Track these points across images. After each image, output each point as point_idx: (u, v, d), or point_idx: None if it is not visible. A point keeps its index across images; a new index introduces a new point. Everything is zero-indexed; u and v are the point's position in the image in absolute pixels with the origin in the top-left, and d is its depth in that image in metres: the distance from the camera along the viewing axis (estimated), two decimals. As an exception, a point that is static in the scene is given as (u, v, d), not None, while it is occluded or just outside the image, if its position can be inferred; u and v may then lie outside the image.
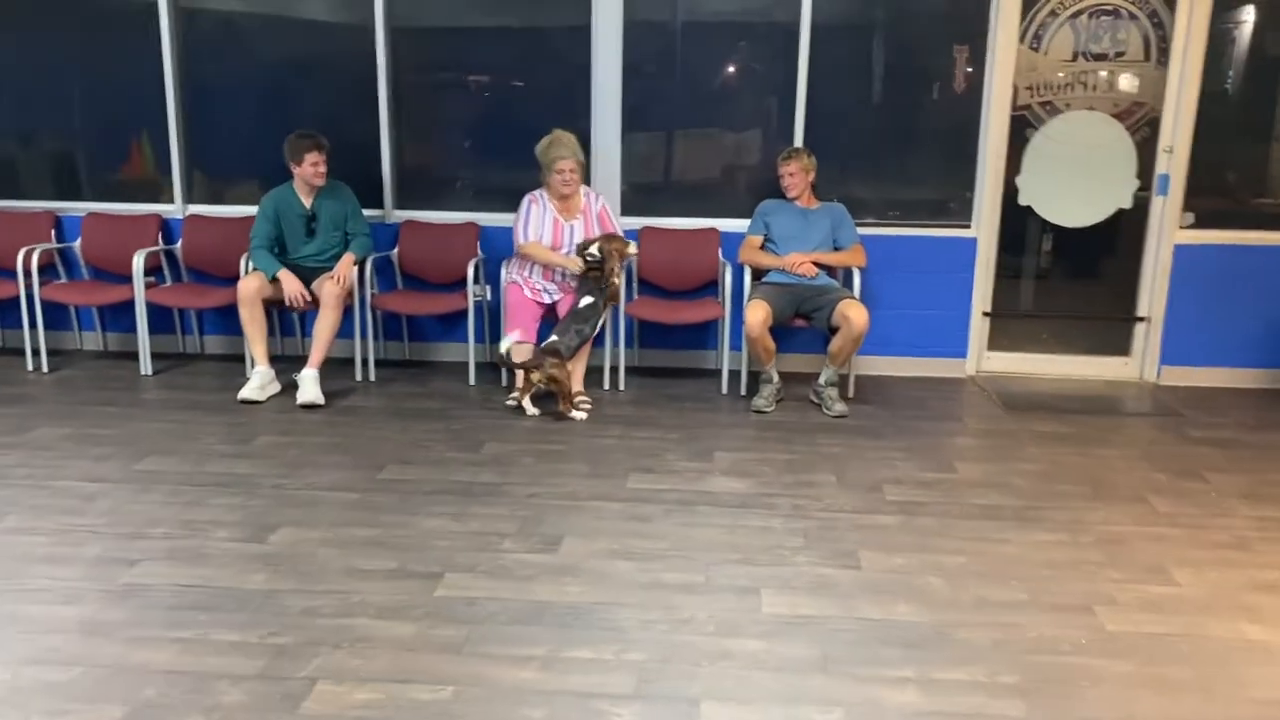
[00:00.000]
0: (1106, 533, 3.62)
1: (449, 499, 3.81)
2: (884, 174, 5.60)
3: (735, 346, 5.41)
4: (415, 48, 5.63)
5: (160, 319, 5.81)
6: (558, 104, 5.63)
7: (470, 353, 5.39)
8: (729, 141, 5.65)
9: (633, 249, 5.02)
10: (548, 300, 5.08)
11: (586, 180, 5.47)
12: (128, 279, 5.58)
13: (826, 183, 5.48)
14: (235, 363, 5.62)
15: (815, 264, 5.06)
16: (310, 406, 4.91)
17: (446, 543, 3.45)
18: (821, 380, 4.99)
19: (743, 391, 5.26)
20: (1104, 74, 5.43)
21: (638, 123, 5.59)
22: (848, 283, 5.24)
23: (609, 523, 3.62)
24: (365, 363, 5.44)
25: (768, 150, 5.55)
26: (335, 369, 5.53)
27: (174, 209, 5.78)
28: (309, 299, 5.07)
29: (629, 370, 5.61)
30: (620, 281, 5.01)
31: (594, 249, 4.92)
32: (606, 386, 5.33)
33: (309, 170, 5.06)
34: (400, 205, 5.76)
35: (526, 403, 4.85)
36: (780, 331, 5.08)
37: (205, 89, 5.71)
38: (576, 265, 4.93)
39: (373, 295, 5.38)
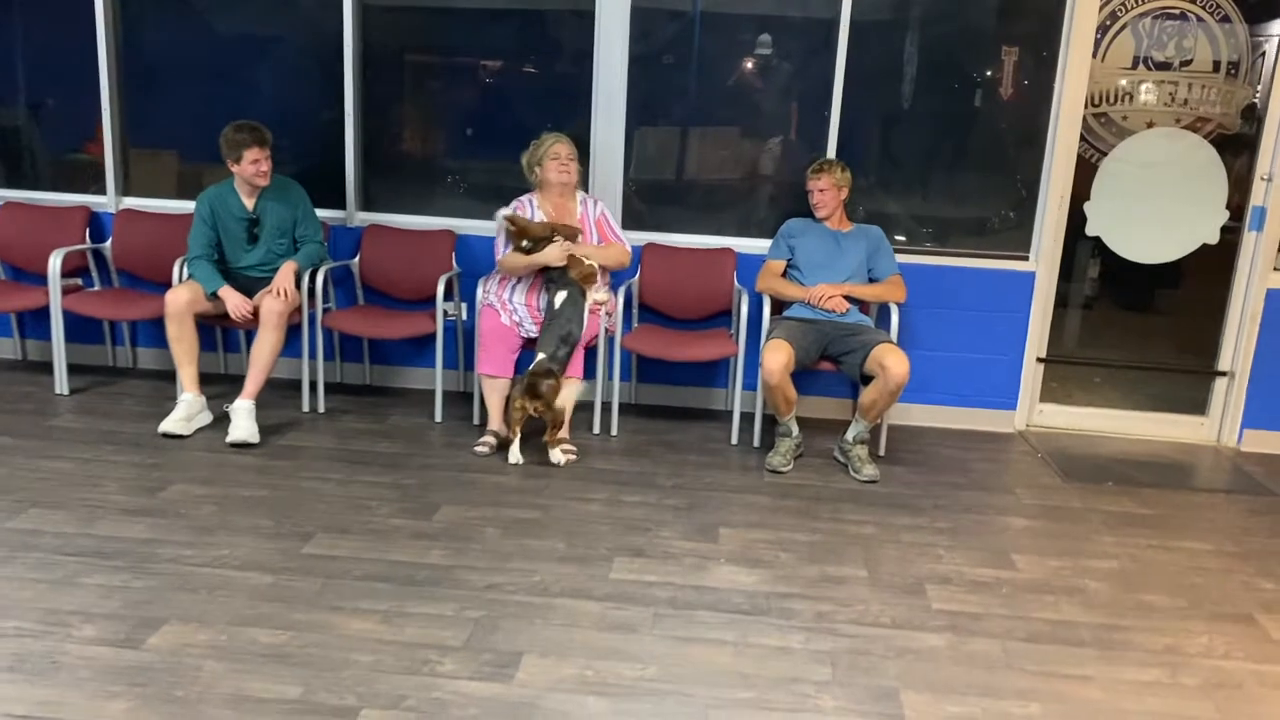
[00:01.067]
0: (1214, 671, 2.84)
1: (383, 590, 3.03)
2: (928, 194, 4.81)
3: (749, 385, 4.63)
4: (390, 26, 4.85)
5: (87, 327, 5.04)
6: (554, 96, 4.85)
7: (438, 383, 4.60)
8: (750, 149, 4.86)
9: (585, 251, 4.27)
10: (524, 335, 4.29)
11: (585, 186, 4.70)
12: (36, 279, 4.82)
13: (863, 201, 4.70)
14: (170, 381, 4.82)
15: (846, 298, 4.28)
16: (241, 445, 4.14)
17: (370, 658, 2.67)
18: (849, 437, 4.21)
19: (756, 442, 4.47)
20: (1169, 84, 4.64)
21: (645, 123, 4.80)
22: (883, 321, 4.45)
23: (582, 633, 2.85)
24: (314, 390, 4.66)
25: (795, 161, 4.77)
26: (281, 394, 4.76)
27: (106, 201, 5.00)
28: (253, 315, 4.30)
29: (624, 409, 4.84)
30: (593, 263, 4.24)
31: (530, 247, 4.20)
32: (596, 429, 4.55)
33: (249, 170, 4.28)
34: (366, 207, 4.98)
35: (515, 450, 4.09)
36: (803, 371, 4.29)
37: (144, 64, 4.94)
38: (558, 257, 4.16)
39: (324, 312, 4.60)
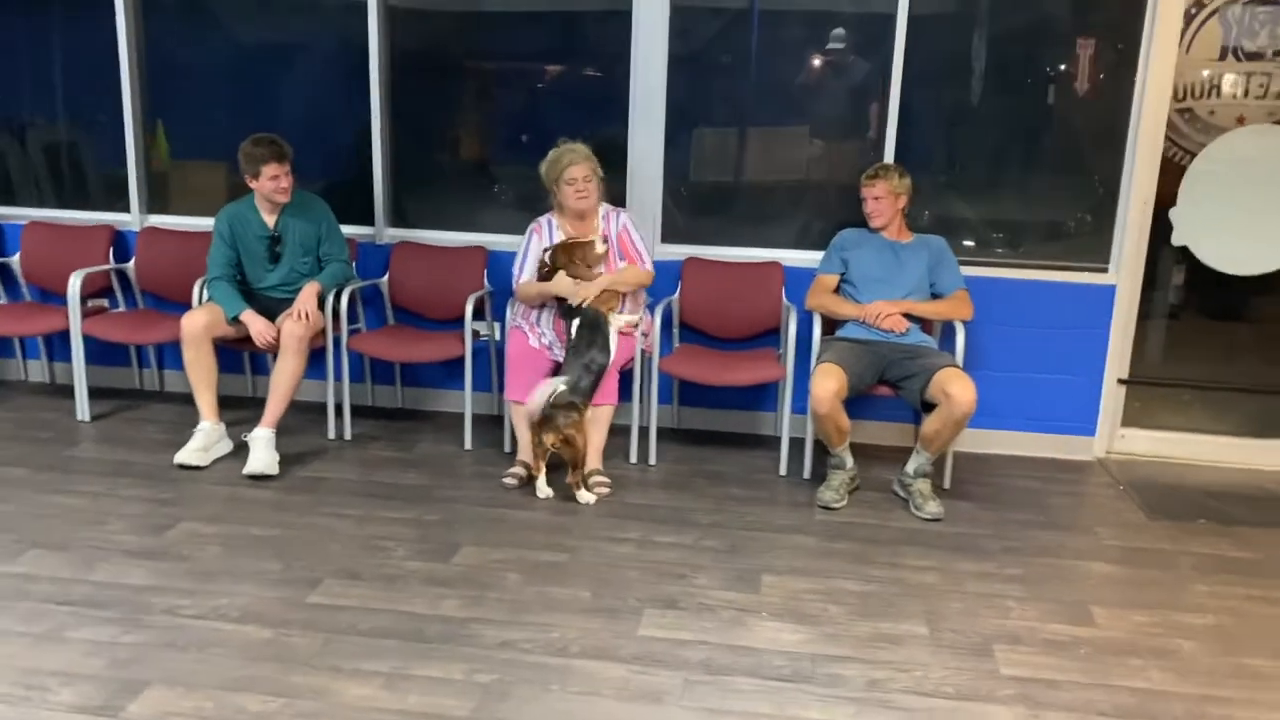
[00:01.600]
0: (1335, 757, 2.45)
1: (389, 648, 2.76)
2: (998, 197, 4.43)
3: (799, 409, 4.30)
4: (417, 32, 4.61)
5: (113, 349, 4.88)
6: (589, 102, 4.58)
7: (467, 407, 4.34)
8: (801, 153, 4.52)
9: (600, 247, 3.94)
10: (554, 359, 4.01)
11: (621, 201, 4.41)
12: (63, 300, 4.67)
13: (927, 205, 4.35)
14: (195, 406, 4.61)
15: (906, 316, 3.92)
16: (259, 478, 3.92)
17: (365, 733, 2.41)
18: (910, 470, 3.85)
19: (806, 473, 4.13)
20: (1262, 76, 4.20)
21: (686, 127, 4.49)
22: (947, 341, 4.08)
23: (602, 704, 2.55)
24: (340, 415, 4.43)
25: (850, 165, 4.42)
26: (309, 419, 4.54)
27: (130, 219, 4.84)
28: (276, 339, 4.08)
29: (664, 434, 4.53)
30: (606, 290, 3.93)
31: (546, 258, 3.94)
32: (633, 459, 4.24)
33: (268, 186, 4.07)
34: (396, 223, 4.74)
35: (542, 484, 3.81)
36: (858, 397, 3.95)
37: (169, 75, 4.76)
38: (569, 290, 3.90)
39: (351, 334, 4.36)
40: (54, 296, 4.77)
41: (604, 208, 4.11)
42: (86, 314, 4.55)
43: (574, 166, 3.92)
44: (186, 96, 4.77)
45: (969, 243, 4.44)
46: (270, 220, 4.19)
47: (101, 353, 4.80)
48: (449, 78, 4.65)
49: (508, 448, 4.27)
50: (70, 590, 3.03)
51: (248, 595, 3.03)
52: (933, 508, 3.74)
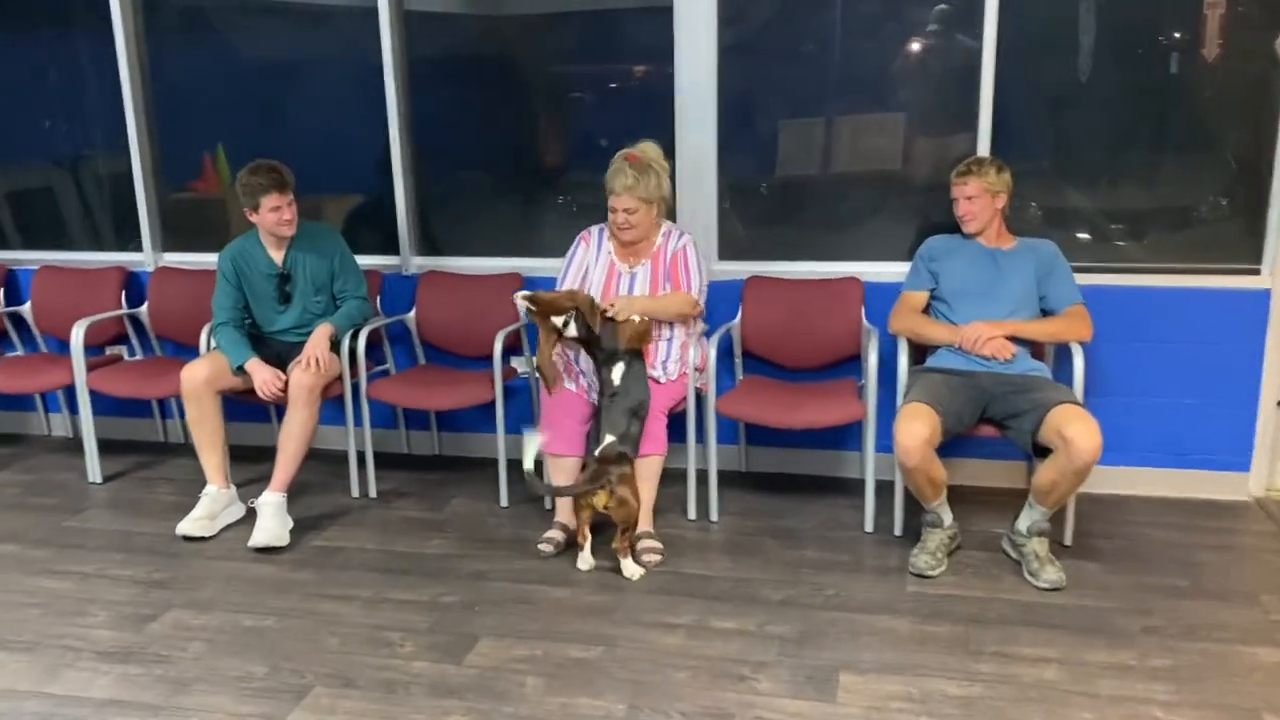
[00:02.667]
0: None
1: (369, 792, 2.25)
2: (1116, 182, 3.72)
3: (885, 446, 3.64)
4: (434, 36, 4.11)
5: (130, 399, 4.49)
6: (633, 105, 4.02)
7: (501, 460, 3.81)
8: (875, 145, 3.88)
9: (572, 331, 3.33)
10: (594, 402, 3.46)
11: (671, 215, 3.83)
12: (87, 350, 4.31)
13: (1033, 194, 3.67)
14: (240, 462, 4.08)
15: (1012, 339, 3.25)
16: (266, 550, 3.47)
17: None
18: (1022, 527, 3.18)
19: (897, 528, 3.48)
20: None
21: (740, 128, 3.89)
22: (1063, 368, 3.38)
23: None
24: (364, 470, 3.95)
25: (936, 158, 3.77)
26: (333, 473, 4.08)
27: (143, 259, 4.46)
28: (285, 390, 3.63)
29: (730, 480, 3.94)
30: (634, 319, 3.33)
31: (567, 321, 3.32)
32: (691, 514, 3.66)
33: (270, 219, 3.61)
34: (425, 250, 4.26)
35: (585, 555, 3.27)
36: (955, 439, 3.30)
37: (173, 96, 4.37)
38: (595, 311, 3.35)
39: (372, 379, 3.88)
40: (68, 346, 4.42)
41: (666, 226, 3.55)
42: (100, 364, 4.19)
43: (615, 197, 3.37)
44: (202, 117, 4.38)
45: (1084, 235, 3.74)
46: (278, 256, 3.74)
47: (121, 403, 4.42)
48: (473, 87, 4.14)
49: (549, 503, 3.73)
50: (21, 708, 2.59)
51: (221, 713, 2.55)
52: (1051, 574, 3.06)
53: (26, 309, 4.47)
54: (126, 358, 4.41)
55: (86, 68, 4.36)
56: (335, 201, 4.32)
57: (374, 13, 3.97)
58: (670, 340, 3.51)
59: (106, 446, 4.46)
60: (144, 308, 4.35)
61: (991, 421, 3.24)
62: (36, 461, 4.43)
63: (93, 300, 4.33)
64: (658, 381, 3.41)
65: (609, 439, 3.18)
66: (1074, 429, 2.89)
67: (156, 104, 4.36)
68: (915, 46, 3.75)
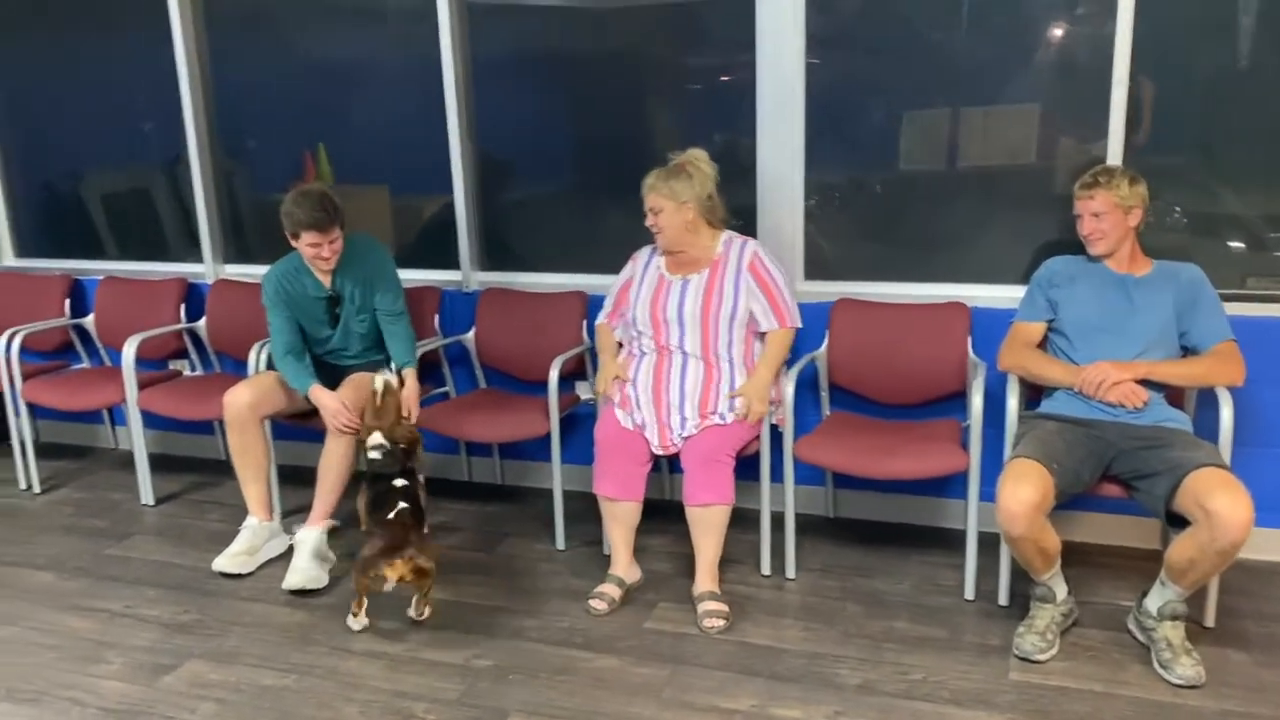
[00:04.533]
0: None
1: None
2: (1271, 195, 3.15)
3: (988, 495, 3.15)
4: (496, 31, 3.79)
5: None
6: (711, 104, 3.62)
7: (557, 500, 3.47)
8: (990, 146, 3.39)
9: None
10: (656, 444, 3.08)
11: (751, 229, 3.44)
12: (150, 365, 4.18)
13: (1177, 197, 3.15)
14: (292, 484, 3.91)
15: (1143, 383, 2.75)
16: (300, 593, 3.21)
17: None
18: (1152, 608, 2.67)
19: (1002, 597, 2.99)
20: None
21: (831, 127, 3.46)
22: (1206, 419, 2.84)
23: None
24: (416, 504, 3.68)
25: (1057, 166, 3.27)
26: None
27: (203, 270, 4.29)
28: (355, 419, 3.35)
29: (813, 527, 3.52)
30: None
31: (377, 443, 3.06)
32: (765, 569, 3.25)
33: (308, 253, 3.32)
34: (489, 265, 3.95)
35: (360, 620, 2.96)
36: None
37: (234, 102, 4.17)
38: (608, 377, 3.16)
39: (428, 403, 3.60)
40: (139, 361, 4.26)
41: (725, 235, 3.17)
42: (159, 380, 4.03)
43: (649, 197, 3.09)
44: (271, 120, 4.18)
45: (1237, 244, 3.19)
46: (325, 279, 3.47)
47: (183, 420, 4.26)
48: (540, 86, 3.81)
49: (608, 548, 3.38)
50: (7, 777, 2.39)
51: (211, 797, 2.29)
52: (1187, 668, 2.55)
53: (90, 321, 4.35)
54: (187, 373, 4.24)
55: (147, 73, 4.20)
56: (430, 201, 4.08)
57: (432, 8, 3.68)
58: (730, 366, 3.11)
59: (165, 463, 4.35)
60: (202, 322, 4.17)
61: (1117, 480, 2.74)
62: (97, 478, 4.30)
63: (152, 313, 4.18)
64: (721, 423, 3.01)
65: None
66: (1219, 501, 2.38)
67: (218, 110, 4.17)
68: (1033, 40, 3.25)
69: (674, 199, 3.04)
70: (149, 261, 4.41)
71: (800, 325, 3.16)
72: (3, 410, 4.33)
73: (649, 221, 3.09)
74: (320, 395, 3.35)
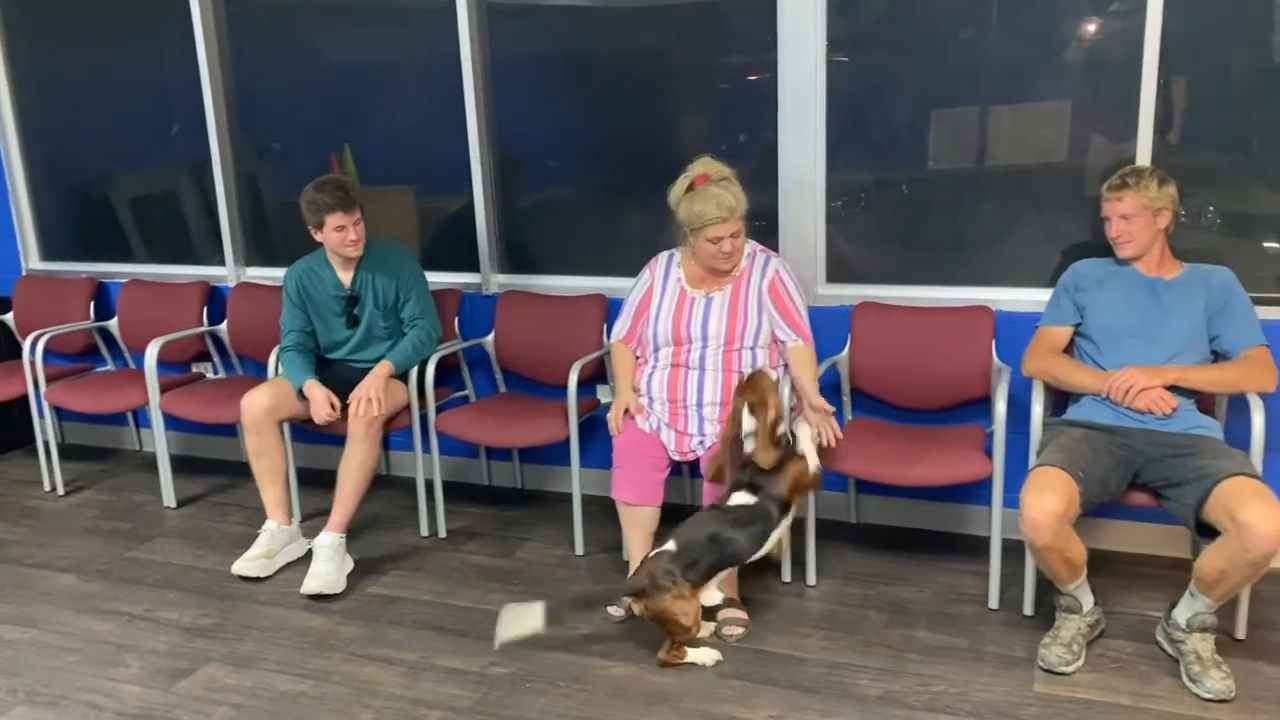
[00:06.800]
0: None
1: None
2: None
3: (1012, 502, 3.09)
4: (517, 31, 3.77)
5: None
6: (732, 107, 3.59)
7: (575, 504, 3.45)
8: (1015, 145, 3.32)
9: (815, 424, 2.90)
10: (674, 449, 3.05)
11: (772, 231, 3.41)
12: (173, 368, 4.20)
13: (1210, 196, 3.08)
14: (313, 488, 3.92)
15: (1173, 389, 2.69)
16: (319, 597, 3.21)
17: None
18: (1181, 619, 2.61)
19: (1027, 607, 2.93)
20: None
21: (852, 128, 3.41)
22: (1238, 426, 2.78)
23: None
24: (433, 507, 3.67)
25: (1087, 165, 3.21)
26: (410, 504, 3.81)
27: (225, 273, 4.30)
28: (336, 415, 3.37)
29: (836, 532, 3.48)
30: (811, 459, 2.84)
31: (746, 415, 2.79)
32: (786, 576, 3.21)
33: (335, 239, 3.35)
34: (510, 268, 3.94)
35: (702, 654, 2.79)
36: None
37: (256, 102, 4.18)
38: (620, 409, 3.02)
39: (440, 410, 3.59)
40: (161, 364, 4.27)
41: (750, 246, 3.12)
42: (182, 382, 4.05)
43: (714, 225, 2.92)
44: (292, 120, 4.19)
45: (1273, 244, 3.11)
46: (346, 277, 3.48)
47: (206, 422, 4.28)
48: (560, 85, 3.79)
49: (626, 554, 3.35)
50: (26, 780, 2.39)
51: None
52: (1216, 681, 2.49)
53: (114, 324, 4.37)
54: (209, 376, 4.26)
55: (170, 75, 4.22)
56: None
57: (452, 9, 3.67)
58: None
59: (189, 464, 4.37)
60: (224, 324, 4.18)
61: (1146, 489, 2.68)
62: (121, 480, 4.33)
63: (176, 316, 4.20)
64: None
65: (669, 546, 2.71)
66: (1250, 512, 2.32)
67: (241, 113, 4.18)
68: (1059, 39, 3.19)
69: (743, 229, 2.98)
70: (175, 264, 4.43)
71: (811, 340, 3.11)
72: (28, 412, 4.37)
73: (725, 250, 2.95)
74: (313, 390, 3.38)
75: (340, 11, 3.97)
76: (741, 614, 2.91)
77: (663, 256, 3.20)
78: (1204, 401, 2.78)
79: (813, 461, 2.82)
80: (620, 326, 3.22)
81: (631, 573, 2.80)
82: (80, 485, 4.28)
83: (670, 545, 2.70)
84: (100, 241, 4.57)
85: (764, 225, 3.43)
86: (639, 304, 3.18)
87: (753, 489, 2.75)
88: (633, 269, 3.38)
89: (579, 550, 3.44)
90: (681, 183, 3.00)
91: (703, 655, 2.74)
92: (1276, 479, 2.60)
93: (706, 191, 2.92)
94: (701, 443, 2.99)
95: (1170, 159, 3.07)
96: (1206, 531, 2.51)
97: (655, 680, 2.69)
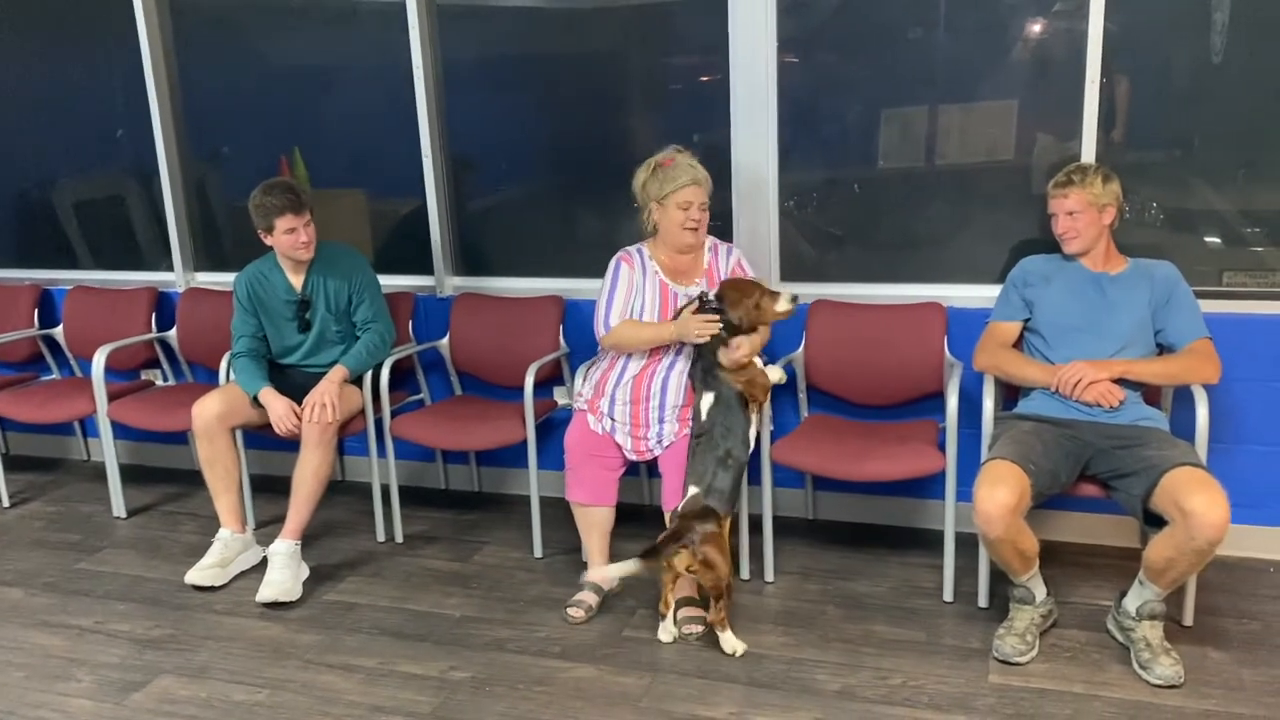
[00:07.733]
0: None
1: None
2: (1257, 179, 3.14)
3: (965, 495, 3.12)
4: (469, 33, 3.76)
5: (169, 426, 4.29)
6: (689, 109, 3.60)
7: (534, 507, 3.44)
8: (966, 143, 3.37)
9: (784, 305, 2.90)
10: (630, 449, 3.06)
11: (727, 230, 3.43)
12: (121, 375, 4.13)
13: (1154, 192, 3.14)
14: (267, 495, 3.91)
15: (1119, 382, 2.74)
16: (274, 605, 3.17)
17: None
18: (1131, 608, 2.66)
19: (982, 599, 2.97)
20: None
21: (805, 129, 3.44)
22: (1182, 417, 2.85)
23: None
24: (389, 511, 3.64)
25: (1034, 163, 3.26)
26: (365, 509, 3.78)
27: (174, 278, 4.23)
28: (299, 425, 3.34)
29: (792, 530, 3.50)
30: (762, 373, 2.91)
31: (698, 299, 2.94)
32: (745, 573, 3.23)
33: (285, 242, 3.32)
34: (464, 270, 3.92)
35: (667, 625, 2.86)
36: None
37: (203, 105, 4.12)
38: (698, 332, 2.86)
39: (395, 414, 3.56)
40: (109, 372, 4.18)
41: (710, 240, 3.13)
42: (130, 390, 3.98)
43: (683, 189, 2.95)
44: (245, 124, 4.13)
45: (1213, 239, 3.19)
46: (297, 281, 3.45)
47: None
48: (513, 87, 3.78)
49: (585, 555, 3.34)
50: (-27, 799, 2.34)
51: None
52: (1166, 668, 2.54)
53: (59, 331, 4.29)
54: (159, 383, 4.19)
55: (115, 79, 4.14)
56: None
57: (402, 9, 3.65)
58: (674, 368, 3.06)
59: (139, 474, 4.30)
60: (173, 331, 4.12)
61: (1095, 480, 2.73)
62: (69, 490, 4.24)
63: (123, 323, 4.12)
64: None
65: (692, 490, 2.78)
66: (1196, 500, 2.37)
67: (188, 116, 4.12)
68: (1010, 36, 3.24)
69: (708, 192, 3.02)
70: (123, 270, 4.35)
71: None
72: (-29, 423, 4.27)
73: (692, 218, 2.96)
74: (270, 398, 3.35)
75: (289, 13, 3.94)
76: (701, 612, 2.92)
77: (633, 250, 3.14)
78: (1150, 393, 2.84)
79: (762, 370, 2.91)
80: (613, 312, 3.06)
81: (668, 533, 2.75)
82: (26, 497, 4.19)
83: (692, 489, 2.78)
84: (43, 248, 4.49)
85: (719, 225, 3.45)
86: (626, 292, 3.08)
87: (706, 379, 2.88)
88: (587, 270, 3.38)
89: (538, 553, 3.44)
90: (648, 163, 3.03)
91: (730, 643, 2.79)
92: (1221, 469, 2.65)
93: (676, 162, 2.98)
94: (659, 441, 3.00)
95: (1114, 156, 3.13)
96: (1154, 521, 2.56)
97: (616, 681, 2.69)
